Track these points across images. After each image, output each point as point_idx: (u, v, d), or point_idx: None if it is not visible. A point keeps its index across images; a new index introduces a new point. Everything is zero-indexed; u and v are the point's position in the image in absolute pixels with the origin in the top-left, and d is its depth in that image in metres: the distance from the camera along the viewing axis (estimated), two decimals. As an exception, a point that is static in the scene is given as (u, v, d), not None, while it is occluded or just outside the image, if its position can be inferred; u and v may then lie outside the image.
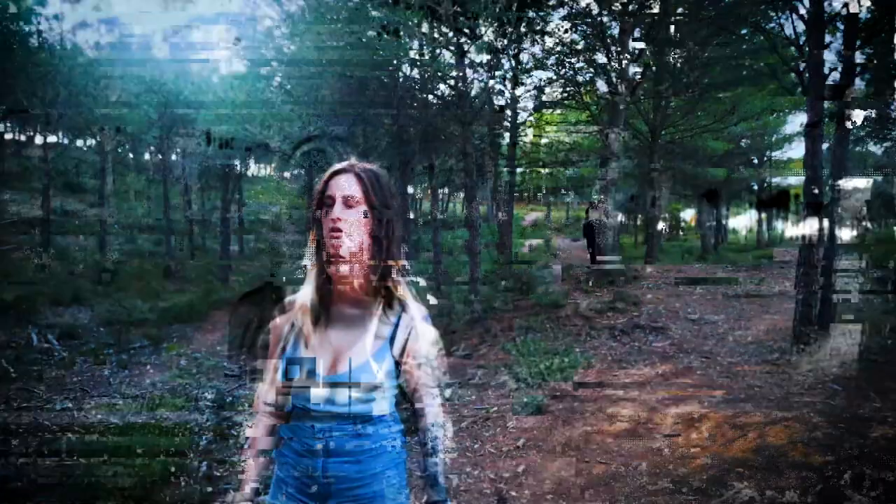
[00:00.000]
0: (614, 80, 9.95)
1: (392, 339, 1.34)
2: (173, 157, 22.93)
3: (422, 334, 1.36)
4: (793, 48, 6.28)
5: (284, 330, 1.39)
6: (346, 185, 1.29)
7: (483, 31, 9.77)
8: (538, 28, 11.75)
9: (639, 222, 38.90)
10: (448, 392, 5.01)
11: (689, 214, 41.90)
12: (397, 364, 1.35)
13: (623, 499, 3.04)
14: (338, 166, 1.33)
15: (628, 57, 9.99)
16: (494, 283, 13.50)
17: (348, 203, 1.28)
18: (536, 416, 4.34)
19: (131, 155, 21.27)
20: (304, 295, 1.37)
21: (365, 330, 1.34)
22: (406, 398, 1.44)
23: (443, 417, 1.42)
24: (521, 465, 3.60)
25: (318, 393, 1.33)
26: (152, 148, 18.84)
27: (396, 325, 1.35)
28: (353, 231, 1.28)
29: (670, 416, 4.12)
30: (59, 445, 3.82)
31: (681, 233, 34.74)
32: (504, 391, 5.52)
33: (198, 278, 17.06)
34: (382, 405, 1.35)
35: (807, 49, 5.71)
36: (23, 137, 29.35)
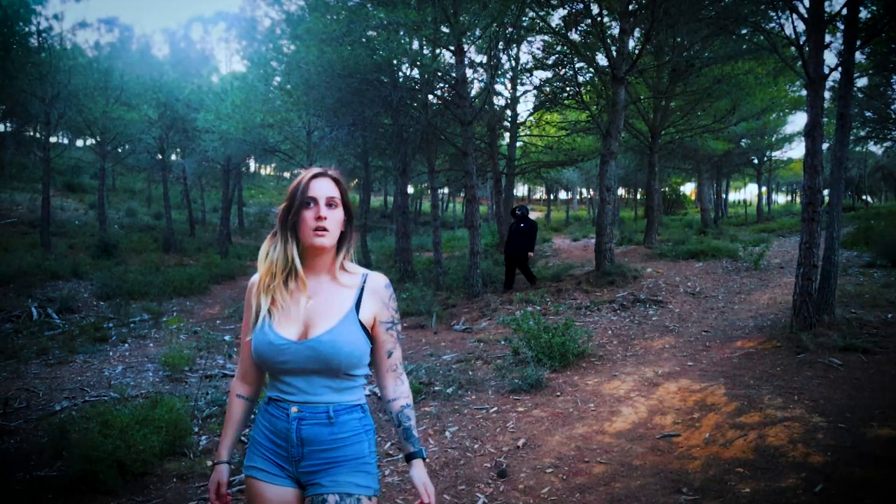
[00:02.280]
0: (613, 53, 9.91)
1: (358, 304, 1.50)
2: (173, 156, 22.92)
3: (385, 299, 1.54)
4: (793, 48, 6.27)
5: (253, 308, 1.52)
6: (328, 189, 1.49)
7: (483, 32, 9.76)
8: (538, 27, 11.73)
9: (638, 196, 38.68)
10: (450, 390, 5.01)
11: (689, 188, 41.74)
12: (364, 327, 1.49)
13: (621, 482, 3.04)
14: (316, 170, 1.51)
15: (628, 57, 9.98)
16: (495, 256, 13.49)
17: (329, 203, 1.48)
18: (536, 390, 4.34)
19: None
20: (268, 269, 1.50)
21: (331, 297, 1.49)
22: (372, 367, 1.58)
23: (407, 383, 1.60)
24: (522, 438, 3.59)
25: (292, 356, 1.43)
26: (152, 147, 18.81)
27: (361, 291, 1.51)
28: (333, 227, 1.48)
29: (670, 390, 4.12)
30: (58, 418, 3.83)
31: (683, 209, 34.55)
32: (503, 364, 5.55)
33: (197, 252, 17.05)
34: (353, 367, 1.48)
35: (807, 49, 5.71)
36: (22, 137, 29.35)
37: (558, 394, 4.79)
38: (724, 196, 33.08)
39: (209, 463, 3.79)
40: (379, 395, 1.67)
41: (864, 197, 34.38)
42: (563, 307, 7.99)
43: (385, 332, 1.54)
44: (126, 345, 7.44)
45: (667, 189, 32.41)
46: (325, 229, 1.46)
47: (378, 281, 1.54)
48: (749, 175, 33.98)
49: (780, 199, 55.80)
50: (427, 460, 1.59)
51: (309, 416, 1.45)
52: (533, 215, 43.75)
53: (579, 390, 4.84)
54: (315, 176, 1.50)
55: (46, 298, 9.41)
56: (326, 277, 1.52)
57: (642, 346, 6.16)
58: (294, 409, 1.45)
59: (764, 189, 31.46)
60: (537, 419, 4.28)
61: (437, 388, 5.09)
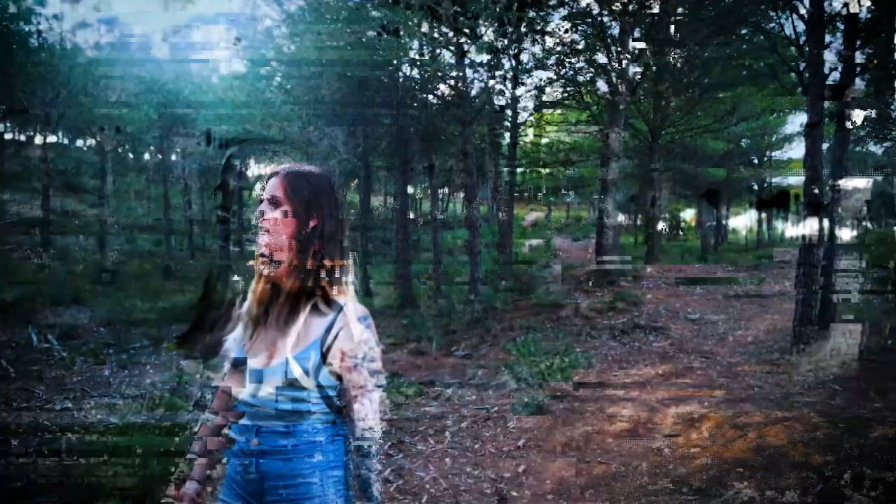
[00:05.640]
0: (615, 79, 9.92)
1: (323, 340, 1.34)
2: (173, 157, 22.98)
3: (353, 336, 1.34)
4: (793, 48, 6.27)
5: (237, 328, 1.45)
6: (272, 187, 1.36)
7: (483, 31, 9.75)
8: (539, 28, 11.73)
9: (639, 222, 38.85)
10: (449, 391, 5.02)
11: (689, 214, 41.88)
12: (325, 363, 1.34)
13: (623, 499, 3.04)
14: (272, 169, 1.40)
15: (629, 56, 9.97)
16: (495, 283, 13.46)
17: (273, 203, 1.34)
18: (537, 417, 4.34)
19: (131, 155, 21.28)
20: (251, 291, 1.43)
21: (299, 326, 1.35)
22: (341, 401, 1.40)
23: (376, 423, 1.37)
24: (522, 465, 3.59)
25: (249, 388, 1.38)
26: (152, 148, 18.83)
27: (330, 326, 1.34)
28: (275, 230, 1.33)
29: (670, 416, 4.12)
30: (58, 445, 3.82)
31: (681, 233, 34.74)
32: (505, 391, 5.54)
33: (198, 278, 17.00)
34: (313, 404, 1.36)
35: (807, 49, 5.70)
36: (23, 137, 29.37)
37: (560, 420, 4.79)
38: (724, 222, 33.02)
39: (209, 490, 3.79)
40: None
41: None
42: (563, 333, 8.00)
43: (350, 371, 1.35)
44: (126, 371, 7.45)
45: (667, 216, 32.43)
46: (263, 230, 1.40)
47: (351, 314, 1.36)
48: (749, 202, 33.90)
49: (780, 225, 55.59)
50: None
51: (269, 449, 1.37)
52: (534, 215, 43.67)
53: (579, 414, 4.83)
54: (270, 175, 1.43)
55: (46, 325, 9.42)
56: (300, 299, 1.39)
57: (642, 372, 6.18)
58: (255, 441, 1.38)
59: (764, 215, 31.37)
60: (538, 419, 4.28)
61: (436, 388, 5.10)
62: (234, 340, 1.45)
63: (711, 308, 9.20)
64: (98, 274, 14.37)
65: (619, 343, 7.53)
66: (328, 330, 1.34)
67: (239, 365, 1.41)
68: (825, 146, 7.63)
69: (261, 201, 1.38)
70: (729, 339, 7.34)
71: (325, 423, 1.39)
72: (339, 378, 1.36)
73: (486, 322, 9.35)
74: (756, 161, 26.85)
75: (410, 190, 23.07)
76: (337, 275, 1.38)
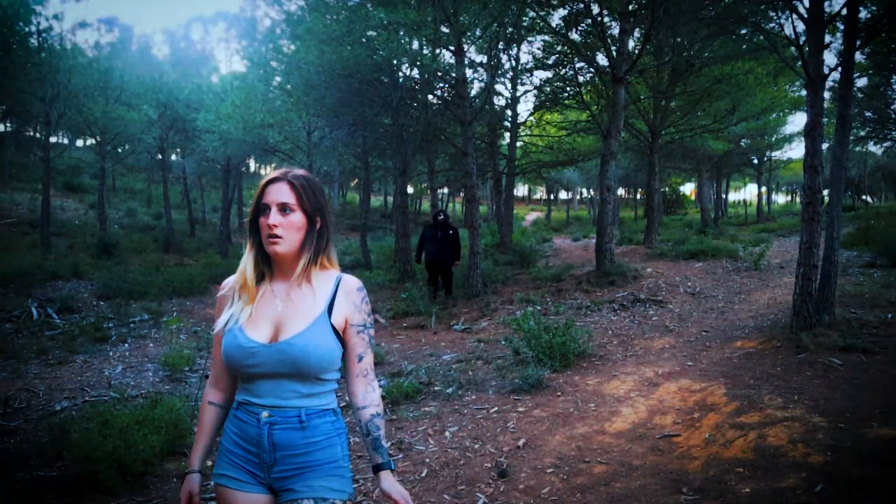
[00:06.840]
0: (613, 53, 9.90)
1: (331, 307, 1.47)
2: (173, 156, 22.93)
3: (354, 302, 1.50)
4: (793, 48, 6.28)
5: (225, 308, 1.50)
6: (281, 193, 1.44)
7: (483, 32, 9.76)
8: (538, 27, 11.73)
9: (638, 196, 38.54)
10: (450, 390, 5.01)
11: (689, 188, 41.60)
12: (335, 330, 1.46)
13: (622, 478, 3.04)
14: (271, 175, 1.48)
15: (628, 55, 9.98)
16: (494, 257, 13.43)
17: (283, 209, 1.43)
18: (537, 394, 4.34)
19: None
20: (241, 274, 1.49)
21: (304, 301, 1.47)
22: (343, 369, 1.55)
23: (381, 408, 1.55)
24: (522, 439, 3.60)
25: (261, 359, 1.41)
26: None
27: (334, 294, 1.49)
28: (288, 234, 1.44)
29: (670, 390, 4.13)
30: (58, 418, 3.83)
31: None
32: (503, 364, 5.56)
33: (197, 252, 16.97)
34: (325, 371, 1.45)
35: (807, 49, 5.71)
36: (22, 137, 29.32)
37: (559, 394, 4.79)
38: (724, 196, 33.08)
39: (209, 463, 3.79)
40: (348, 401, 1.58)
41: (864, 197, 34.37)
42: (563, 307, 7.99)
43: (356, 335, 1.50)
44: (126, 345, 7.43)
45: (667, 189, 32.39)
46: (276, 236, 1.42)
47: (351, 283, 1.51)
48: (749, 175, 33.98)
49: (780, 199, 55.79)
50: (395, 471, 1.54)
51: (280, 420, 1.42)
52: (533, 215, 43.58)
53: (580, 390, 4.84)
54: (270, 181, 1.45)
55: (46, 298, 9.39)
56: (299, 280, 1.48)
57: (642, 346, 6.16)
58: (265, 413, 1.42)
59: (764, 189, 31.46)
60: (538, 419, 4.28)
61: (437, 388, 5.10)
62: (228, 316, 1.48)
63: (711, 282, 9.20)
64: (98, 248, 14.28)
65: (618, 316, 7.53)
66: (332, 297, 1.48)
67: (239, 341, 1.42)
68: (825, 146, 7.63)
69: (259, 200, 1.46)
70: (728, 313, 7.31)
71: (334, 391, 1.52)
72: (343, 343, 1.50)
73: (485, 296, 9.34)
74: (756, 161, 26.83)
75: (410, 190, 23.08)
76: (329, 253, 1.53)
